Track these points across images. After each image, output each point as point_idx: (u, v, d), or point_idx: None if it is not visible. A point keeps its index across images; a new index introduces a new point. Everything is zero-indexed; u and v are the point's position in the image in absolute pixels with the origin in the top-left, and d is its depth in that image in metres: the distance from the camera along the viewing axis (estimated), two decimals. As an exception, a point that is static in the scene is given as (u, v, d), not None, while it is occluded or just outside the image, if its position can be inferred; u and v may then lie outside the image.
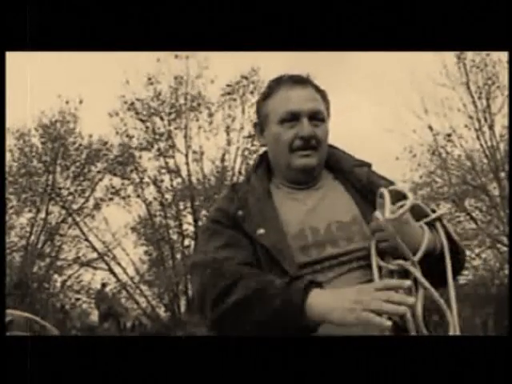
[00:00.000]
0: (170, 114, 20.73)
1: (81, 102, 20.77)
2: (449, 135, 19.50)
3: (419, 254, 1.77)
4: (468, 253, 19.47)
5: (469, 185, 19.32)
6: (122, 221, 21.69)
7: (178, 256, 20.70)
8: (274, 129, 2.03)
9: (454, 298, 1.76)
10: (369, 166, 2.11)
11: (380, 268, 1.80)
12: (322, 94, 2.08)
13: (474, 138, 19.38)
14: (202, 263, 1.90)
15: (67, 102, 20.79)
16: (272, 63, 22.50)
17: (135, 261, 21.11)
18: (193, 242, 19.87)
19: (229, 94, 20.82)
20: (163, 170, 20.81)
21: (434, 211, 1.95)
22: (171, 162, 20.81)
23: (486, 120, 19.14)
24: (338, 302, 1.60)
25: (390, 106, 32.09)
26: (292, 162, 2.01)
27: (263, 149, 2.17)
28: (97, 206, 21.22)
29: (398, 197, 1.86)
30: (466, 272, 19.82)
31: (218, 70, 21.74)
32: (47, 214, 20.87)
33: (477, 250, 19.83)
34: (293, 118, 1.99)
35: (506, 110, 18.66)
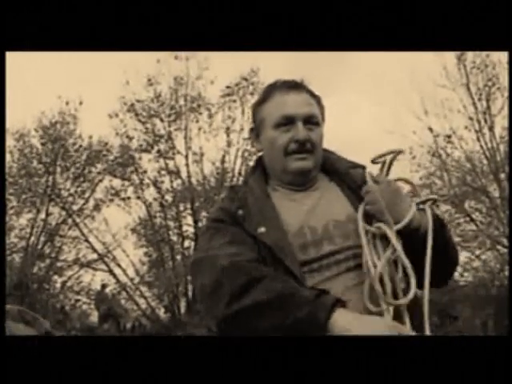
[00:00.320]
0: (169, 115, 20.74)
1: (81, 103, 20.82)
2: (449, 136, 19.51)
3: (401, 224, 1.85)
4: (468, 254, 19.52)
5: (469, 186, 19.32)
6: (122, 222, 21.82)
7: (178, 257, 20.72)
8: (269, 133, 2.05)
9: (428, 277, 1.82)
10: (363, 167, 2.13)
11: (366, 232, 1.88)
12: (317, 99, 2.11)
13: (474, 140, 19.41)
14: (209, 260, 1.90)
15: (67, 103, 20.82)
16: (271, 64, 22.55)
17: (135, 262, 21.15)
18: (193, 244, 19.87)
19: (228, 95, 20.83)
20: (163, 172, 20.84)
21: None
22: (171, 163, 20.85)
23: (486, 121, 19.15)
24: (356, 328, 1.64)
25: (389, 106, 32.11)
26: (288, 166, 2.03)
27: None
28: (97, 207, 21.25)
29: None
30: (465, 274, 19.85)
31: (218, 71, 21.72)
32: (47, 215, 20.89)
33: (477, 252, 19.83)
34: (288, 122, 2.01)
35: (506, 111, 18.68)
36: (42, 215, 20.85)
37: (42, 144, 20.94)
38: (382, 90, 30.95)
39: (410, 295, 1.75)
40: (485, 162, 19.38)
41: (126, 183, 21.00)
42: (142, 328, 20.33)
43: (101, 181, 21.36)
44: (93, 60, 21.51)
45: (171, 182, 20.94)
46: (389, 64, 27.29)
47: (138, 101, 20.54)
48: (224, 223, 1.99)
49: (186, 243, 20.74)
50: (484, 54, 18.89)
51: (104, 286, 20.22)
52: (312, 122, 2.02)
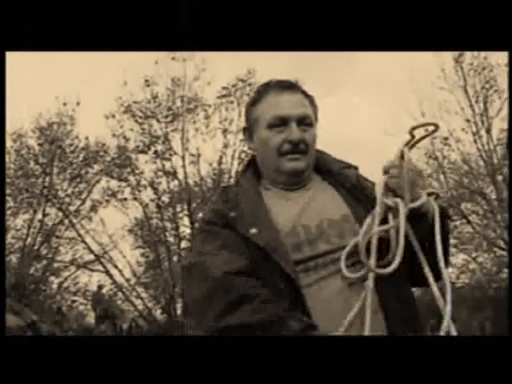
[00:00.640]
0: (167, 116, 20.71)
1: (78, 103, 20.76)
2: (446, 138, 19.48)
3: (417, 203, 1.85)
4: (465, 256, 19.54)
5: (466, 188, 19.31)
6: (118, 223, 21.67)
7: (175, 258, 20.66)
8: (263, 133, 2.07)
9: (442, 260, 1.83)
10: (355, 168, 2.15)
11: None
12: (310, 99, 2.13)
13: (471, 142, 19.38)
14: (200, 267, 1.92)
15: (65, 104, 20.77)
16: (268, 66, 22.54)
17: (132, 263, 21.08)
18: (189, 245, 19.85)
19: (225, 96, 20.81)
20: (160, 173, 20.78)
21: None
22: (168, 164, 20.77)
23: (483, 124, 19.14)
24: None
25: (388, 107, 32.11)
26: (281, 166, 2.05)
27: None
28: (94, 208, 21.17)
29: None
30: (462, 276, 19.86)
31: (216, 71, 21.66)
32: (44, 215, 20.81)
33: (473, 254, 19.83)
34: (282, 122, 2.03)
35: (503, 113, 18.69)
36: (39, 216, 20.78)
37: (39, 145, 20.89)
38: (380, 91, 30.95)
39: (394, 265, 1.78)
40: (482, 164, 19.38)
41: (123, 184, 20.93)
42: (139, 329, 20.29)
43: (98, 182, 21.29)
44: (90, 61, 21.46)
45: (168, 183, 20.88)
46: (387, 65, 27.32)
47: (135, 102, 20.51)
48: (216, 226, 1.99)
49: (183, 244, 20.68)
50: (482, 56, 18.89)
51: (101, 287, 20.15)
52: (305, 122, 2.04)
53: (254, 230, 1.92)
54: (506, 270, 18.38)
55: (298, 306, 1.80)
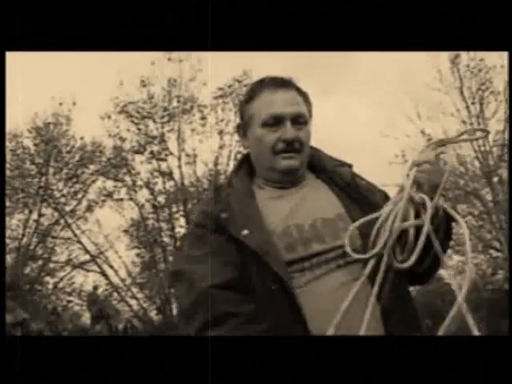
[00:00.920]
0: (163, 116, 20.70)
1: (74, 103, 20.74)
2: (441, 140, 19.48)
3: (441, 202, 1.85)
4: (460, 258, 19.52)
5: (461, 190, 19.33)
6: (114, 223, 21.66)
7: (171, 259, 20.65)
8: (257, 131, 2.06)
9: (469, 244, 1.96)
10: (349, 166, 2.14)
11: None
12: (305, 96, 2.11)
13: (466, 143, 19.39)
14: (187, 275, 1.91)
15: (61, 104, 20.75)
16: (264, 66, 22.51)
17: (127, 263, 21.07)
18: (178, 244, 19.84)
19: (221, 96, 20.82)
20: (156, 173, 20.78)
21: None
22: (164, 164, 20.78)
23: (479, 125, 19.15)
24: None
25: (383, 109, 32.11)
26: (275, 164, 2.04)
27: None
28: (89, 209, 21.17)
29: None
30: (458, 277, 19.86)
31: (212, 72, 21.67)
32: (40, 215, 20.80)
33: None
34: (276, 121, 2.02)
35: (499, 115, 18.76)
36: (35, 216, 20.77)
37: (35, 145, 20.87)
38: (376, 92, 30.99)
39: (410, 261, 1.75)
40: (477, 165, 19.41)
41: (119, 184, 20.94)
42: (134, 329, 20.26)
43: (93, 182, 21.29)
44: (86, 61, 21.37)
45: (164, 183, 20.88)
46: (383, 66, 27.35)
47: (131, 102, 20.50)
48: (205, 229, 1.98)
49: (179, 245, 20.66)
50: (478, 57, 18.94)
51: (96, 288, 20.13)
52: (300, 121, 2.04)
53: (245, 232, 1.90)
54: (501, 272, 18.41)
55: (291, 308, 1.80)
